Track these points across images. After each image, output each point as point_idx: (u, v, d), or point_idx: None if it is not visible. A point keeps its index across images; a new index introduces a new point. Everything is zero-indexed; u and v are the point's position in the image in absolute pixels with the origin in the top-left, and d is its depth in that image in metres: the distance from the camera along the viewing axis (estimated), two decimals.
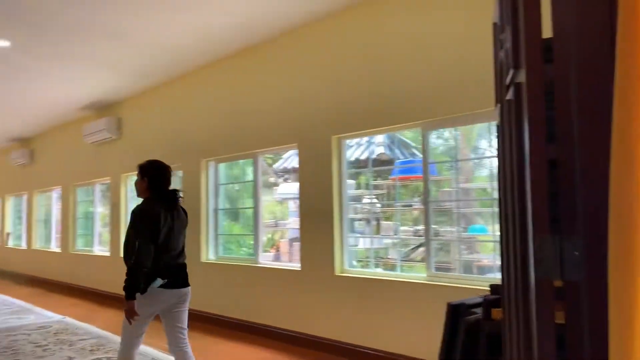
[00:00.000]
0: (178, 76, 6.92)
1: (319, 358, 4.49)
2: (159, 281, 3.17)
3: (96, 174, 8.90)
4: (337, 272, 4.71)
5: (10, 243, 12.60)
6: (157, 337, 4.77)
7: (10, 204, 12.90)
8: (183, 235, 3.50)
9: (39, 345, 5.01)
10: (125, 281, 3.06)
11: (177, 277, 3.34)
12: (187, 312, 3.42)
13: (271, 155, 7.53)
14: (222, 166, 6.49)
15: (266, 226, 7.29)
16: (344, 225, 4.80)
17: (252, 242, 6.05)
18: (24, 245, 11.77)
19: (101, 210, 9.32)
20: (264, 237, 6.83)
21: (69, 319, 6.33)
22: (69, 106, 8.50)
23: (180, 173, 6.96)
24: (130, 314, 3.04)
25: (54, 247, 10.52)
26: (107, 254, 8.46)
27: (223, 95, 6.22)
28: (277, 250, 7.57)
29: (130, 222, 3.25)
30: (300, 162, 5.19)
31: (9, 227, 12.82)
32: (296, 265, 5.22)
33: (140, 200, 3.40)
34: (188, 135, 6.76)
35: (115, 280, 8.06)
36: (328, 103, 4.88)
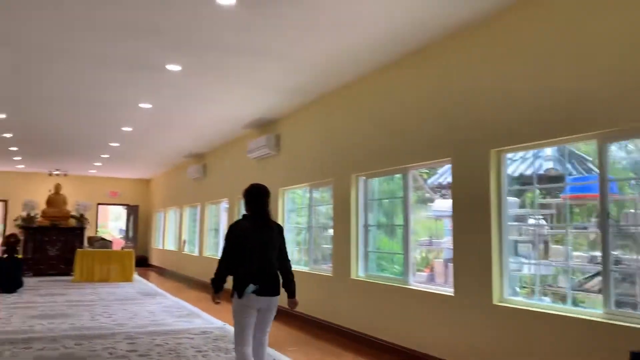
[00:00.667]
0: (330, 92, 6.98)
1: None
2: (252, 287, 3.62)
3: None
4: (495, 301, 4.24)
5: (186, 249, 13.91)
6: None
7: (186, 214, 14.28)
8: (275, 250, 3.83)
9: (200, 350, 5.31)
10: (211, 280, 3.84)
11: (267, 286, 3.73)
12: (272, 317, 3.90)
13: (426, 170, 7.22)
14: (377, 181, 6.34)
15: (420, 244, 6.98)
16: (504, 247, 4.32)
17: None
18: (196, 252, 12.92)
19: None
20: (417, 256, 6.54)
21: (228, 326, 6.65)
22: (234, 124, 9.12)
23: (330, 188, 6.99)
24: (213, 300, 3.92)
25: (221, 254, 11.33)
26: None
27: (374, 109, 6.11)
28: (432, 270, 7.19)
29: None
30: (454, 177, 4.83)
31: (185, 235, 14.19)
32: (449, 290, 4.84)
33: None
34: (339, 150, 6.76)
35: None
36: (485, 114, 4.47)
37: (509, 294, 4.26)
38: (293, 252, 8.29)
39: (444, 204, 7.23)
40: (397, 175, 5.89)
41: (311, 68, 6.00)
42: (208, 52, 5.49)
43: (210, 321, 7.00)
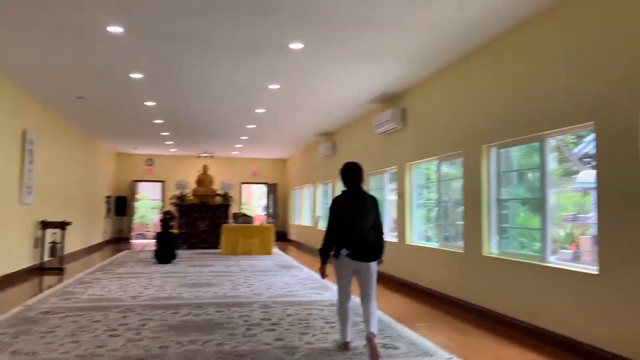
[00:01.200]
0: (457, 60, 6.62)
1: None
2: (345, 251, 4.29)
3: (385, 163, 9.32)
4: None
5: (320, 225, 14.35)
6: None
7: (319, 191, 14.70)
8: (370, 219, 4.32)
9: (328, 321, 5.44)
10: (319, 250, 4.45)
11: (359, 252, 4.28)
12: (373, 279, 4.37)
13: (572, 139, 6.55)
14: (515, 151, 5.88)
15: (564, 220, 6.40)
16: None
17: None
18: None
19: (391, 197, 9.72)
20: (560, 232, 6.02)
21: (357, 299, 6.71)
22: (360, 100, 9.10)
23: (460, 161, 6.67)
24: (321, 274, 4.48)
25: None
26: (395, 240, 8.77)
27: (505, 73, 5.66)
28: (577, 247, 6.58)
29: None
30: (597, 145, 4.30)
31: (319, 211, 14.63)
32: (592, 268, 4.37)
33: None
34: (468, 121, 6.41)
35: (401, 267, 8.31)
36: (635, 71, 3.89)
37: None
38: (425, 229, 8.11)
39: (591, 176, 6.54)
40: (535, 145, 5.42)
41: (436, 36, 5.73)
42: (329, 26, 5.49)
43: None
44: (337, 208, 4.36)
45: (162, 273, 9.15)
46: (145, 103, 9.50)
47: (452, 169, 7.37)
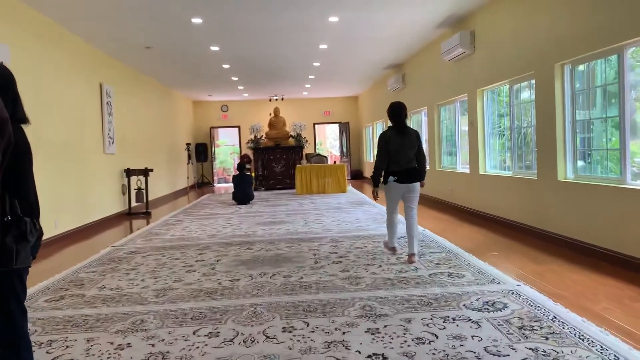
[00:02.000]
0: None
1: None
2: (392, 177, 5.12)
3: (455, 92, 8.92)
4: None
5: None
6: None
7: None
8: (413, 149, 5.09)
9: (394, 253, 5.45)
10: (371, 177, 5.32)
11: (405, 176, 5.12)
12: (416, 197, 5.24)
13: None
14: (598, 65, 5.37)
15: None
16: None
17: (638, 158, 4.92)
18: None
19: (463, 128, 9.36)
20: None
21: (428, 232, 6.68)
22: (426, 26, 8.65)
23: (532, 82, 6.23)
24: (373, 196, 5.38)
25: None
26: (467, 171, 8.50)
27: None
28: None
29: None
30: None
31: None
32: None
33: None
34: (538, 39, 5.92)
35: (474, 197, 8.09)
36: None
37: None
38: (499, 157, 7.77)
39: None
40: (613, 58, 4.92)
41: None
42: None
43: None
44: (386, 141, 5.11)
45: (239, 214, 9.54)
46: (210, 48, 9.61)
47: (526, 93, 6.91)
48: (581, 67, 5.44)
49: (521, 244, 5.88)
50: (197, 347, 2.98)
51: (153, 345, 3.05)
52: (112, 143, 9.65)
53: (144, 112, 12.26)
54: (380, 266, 4.88)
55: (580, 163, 5.58)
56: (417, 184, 5.20)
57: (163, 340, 3.13)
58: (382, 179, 5.20)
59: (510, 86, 7.00)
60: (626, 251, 4.50)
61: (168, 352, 2.94)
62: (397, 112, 5.12)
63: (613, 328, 3.09)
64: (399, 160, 5.06)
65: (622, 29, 4.47)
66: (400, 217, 5.53)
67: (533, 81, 6.19)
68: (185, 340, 3.10)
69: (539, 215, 6.08)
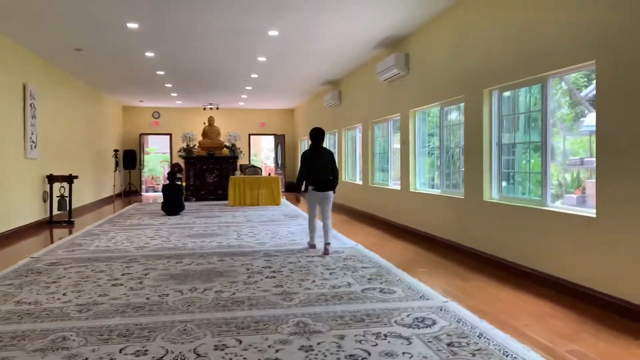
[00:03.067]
0: (456, 2, 6.37)
1: (609, 317, 3.65)
2: (311, 187, 6.53)
3: (389, 111, 9.17)
4: None
5: None
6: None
7: (325, 141, 14.59)
8: (327, 165, 6.55)
9: (328, 268, 5.50)
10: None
11: (320, 186, 6.52)
12: (330, 202, 6.59)
13: (584, 80, 6.31)
14: (521, 93, 5.69)
15: (570, 164, 6.29)
16: None
17: (555, 181, 5.24)
18: None
19: (396, 146, 9.62)
20: (566, 177, 5.93)
21: (360, 247, 6.79)
22: (363, 45, 8.86)
23: (461, 106, 6.53)
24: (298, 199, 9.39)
25: (358, 180, 11.48)
26: (399, 187, 8.73)
27: (504, 15, 5.44)
28: (583, 192, 6.49)
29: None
30: (597, 84, 4.15)
31: None
32: (590, 212, 4.31)
33: None
34: (469, 64, 6.22)
35: (405, 213, 8.31)
36: (638, 6, 3.69)
37: None
38: (427, 175, 8.04)
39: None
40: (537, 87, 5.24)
41: None
42: None
43: (344, 242, 7.20)
44: (306, 158, 6.65)
45: (169, 225, 9.26)
46: (145, 54, 9.34)
47: (455, 114, 7.22)
48: (507, 93, 5.76)
49: (448, 260, 6.10)
50: None
51: None
52: (35, 147, 9.11)
53: (71, 115, 11.67)
54: (314, 281, 4.90)
55: (504, 184, 5.89)
56: (331, 192, 6.59)
57: (87, 359, 2.97)
58: (302, 187, 6.66)
59: (441, 108, 7.29)
60: (545, 270, 4.77)
61: None
62: (315, 136, 6.62)
63: (534, 344, 3.26)
64: (316, 173, 6.50)
65: (546, 60, 4.78)
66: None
67: (462, 104, 6.48)
68: (111, 359, 2.96)
69: (465, 234, 6.34)
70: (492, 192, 5.89)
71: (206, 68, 10.86)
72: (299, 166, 6.58)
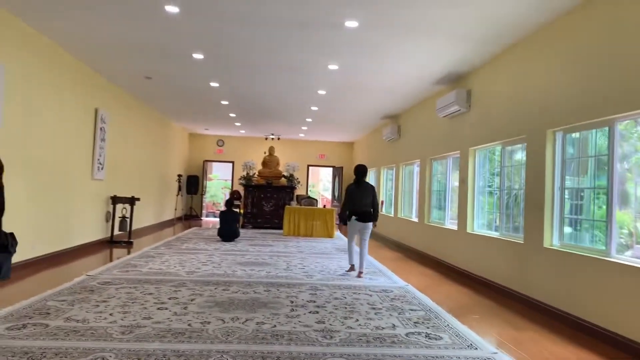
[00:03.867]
0: (520, 40, 6.22)
1: None
2: (354, 217, 7.26)
3: (448, 148, 8.97)
4: None
5: (383, 210, 14.15)
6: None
7: (384, 175, 14.47)
8: (368, 198, 7.30)
9: (374, 307, 5.33)
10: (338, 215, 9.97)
11: (361, 217, 7.25)
12: (368, 232, 7.31)
13: None
14: (590, 136, 5.40)
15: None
16: None
17: (626, 230, 4.87)
18: (392, 213, 13.04)
19: (455, 184, 9.36)
20: (637, 226, 5.52)
21: (410, 287, 6.56)
22: (424, 81, 8.78)
23: (523, 146, 6.27)
24: (341, 226, 10.44)
25: (414, 217, 11.23)
26: (455, 227, 8.44)
27: (569, 53, 5.21)
28: None
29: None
30: None
31: (383, 196, 14.42)
32: None
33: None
34: (533, 103, 5.98)
35: (461, 254, 8.00)
36: None
37: None
38: (488, 217, 7.73)
39: None
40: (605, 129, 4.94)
41: (501, 12, 5.36)
42: (384, 3, 5.28)
43: (394, 281, 6.99)
44: (349, 191, 7.44)
45: (222, 251, 9.38)
46: (210, 84, 9.68)
47: (520, 154, 6.93)
48: (575, 135, 5.47)
49: (503, 307, 5.77)
50: None
51: None
52: (102, 169, 9.57)
53: (139, 139, 12.23)
54: (358, 320, 4.75)
55: (568, 230, 5.54)
56: (370, 223, 7.31)
57: None
58: (346, 218, 7.39)
59: (502, 147, 7.04)
60: (607, 326, 4.40)
61: None
62: (359, 171, 7.46)
63: None
64: (358, 205, 7.27)
65: (613, 102, 4.51)
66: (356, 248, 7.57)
67: (525, 144, 6.22)
68: None
69: (523, 281, 5.99)
70: (552, 239, 5.56)
71: (268, 99, 11.11)
72: (343, 199, 7.42)
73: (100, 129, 9.41)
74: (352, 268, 7.51)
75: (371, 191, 7.33)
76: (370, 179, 16.63)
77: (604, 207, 5.04)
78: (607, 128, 4.77)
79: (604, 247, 4.76)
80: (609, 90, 4.57)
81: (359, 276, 7.07)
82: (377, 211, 7.35)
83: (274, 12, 5.70)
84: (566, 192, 5.55)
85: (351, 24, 5.93)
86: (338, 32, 6.28)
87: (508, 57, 6.70)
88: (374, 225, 7.35)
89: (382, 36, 6.39)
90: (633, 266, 4.24)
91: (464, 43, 6.53)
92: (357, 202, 7.25)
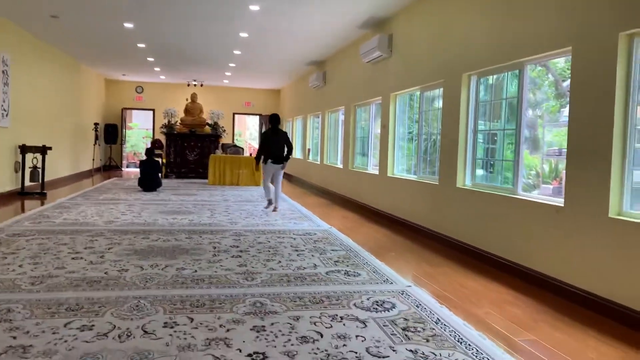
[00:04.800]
0: None
1: (570, 308, 3.62)
2: (269, 160, 8.10)
3: (371, 94, 9.05)
4: (612, 214, 3.64)
5: (310, 158, 14.24)
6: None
7: (310, 122, 14.46)
8: (279, 143, 8.19)
9: (297, 249, 5.42)
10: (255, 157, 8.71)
11: (277, 159, 8.15)
12: (281, 173, 8.32)
13: (564, 67, 6.22)
14: (506, 79, 5.59)
15: (548, 154, 6.26)
16: (628, 154, 3.62)
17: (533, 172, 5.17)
18: (317, 161, 13.14)
19: (377, 130, 9.51)
20: (544, 167, 5.90)
21: (334, 230, 6.71)
22: (348, 25, 8.69)
23: (440, 91, 6.44)
24: (256, 168, 8.56)
25: (339, 163, 11.38)
26: (377, 172, 8.66)
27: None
28: (559, 182, 6.47)
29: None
30: (572, 72, 4.08)
31: (309, 144, 14.46)
32: (558, 201, 4.27)
33: None
34: (451, 48, 6.11)
35: (381, 198, 8.25)
36: None
37: (629, 208, 3.61)
38: (408, 162, 7.96)
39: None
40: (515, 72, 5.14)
41: None
42: None
43: (317, 224, 7.12)
44: (266, 137, 8.30)
45: (143, 201, 9.12)
46: (124, 24, 9.09)
47: (440, 101, 7.12)
48: (491, 80, 5.66)
49: (419, 245, 6.06)
50: (65, 341, 2.75)
51: (14, 338, 2.78)
52: (6, 115, 8.87)
53: (47, 85, 11.38)
54: (280, 262, 4.82)
55: (480, 172, 5.83)
56: (282, 164, 8.23)
57: (28, 332, 2.86)
58: (261, 160, 8.24)
59: (421, 92, 7.19)
60: (512, 258, 4.74)
61: (31, 345, 2.69)
62: (274, 120, 8.31)
63: (491, 332, 3.22)
64: (273, 150, 8.15)
65: (523, 46, 4.69)
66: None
67: (442, 89, 6.38)
68: (54, 333, 2.85)
69: (438, 220, 6.29)
70: (465, 179, 5.83)
71: (187, 43, 10.62)
72: (259, 144, 8.34)
73: (3, 72, 8.65)
74: (269, 202, 8.36)
75: (285, 137, 8.30)
76: (297, 126, 16.64)
77: (511, 150, 5.33)
78: (517, 71, 4.97)
79: (511, 186, 5.05)
80: (521, 35, 4.74)
81: (274, 210, 8.19)
82: (290, 154, 8.33)
83: None
84: (480, 135, 5.80)
85: None
86: None
87: (427, 1, 6.74)
88: (283, 167, 8.30)
89: None
90: (536, 202, 4.55)
91: None
92: (273, 147, 8.15)
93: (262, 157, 8.21)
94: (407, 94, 7.84)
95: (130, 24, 9.01)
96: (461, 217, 5.72)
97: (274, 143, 8.16)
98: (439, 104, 6.97)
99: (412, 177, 7.42)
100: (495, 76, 5.53)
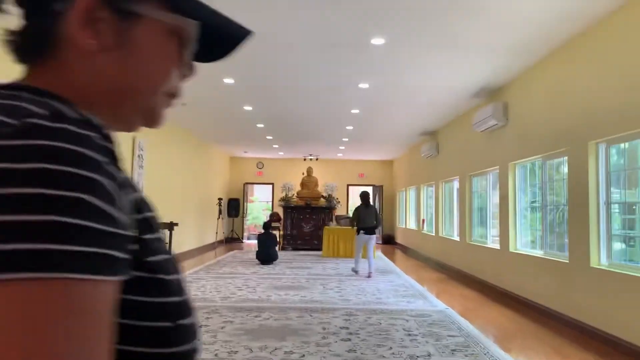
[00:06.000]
0: (557, 49, 5.93)
1: None
2: (362, 231, 9.40)
3: (487, 163, 8.66)
4: None
5: (425, 229, 13.80)
6: None
7: (423, 193, 14.14)
8: (370, 216, 9.43)
9: (410, 333, 5.10)
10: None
11: (367, 231, 9.35)
12: (373, 243, 9.52)
13: None
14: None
15: None
16: None
17: None
18: (432, 232, 12.68)
19: (497, 200, 9.00)
20: None
21: (450, 311, 6.28)
22: (459, 96, 8.54)
23: (565, 159, 5.94)
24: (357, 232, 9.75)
25: (455, 235, 10.87)
26: (498, 247, 8.09)
27: (609, 61, 4.91)
28: None
29: None
30: None
31: (424, 214, 14.08)
32: None
33: None
34: (573, 115, 5.67)
35: (504, 275, 7.64)
36: None
37: None
38: (528, 233, 7.36)
39: None
40: None
41: (533, 20, 5.13)
42: (411, 18, 5.16)
43: (433, 303, 6.72)
44: (357, 211, 9.52)
45: (259, 274, 9.32)
46: (244, 107, 9.75)
47: (564, 168, 6.59)
48: (623, 145, 5.12)
49: (548, 331, 5.42)
50: None
51: None
52: None
53: (179, 164, 12.41)
54: (391, 348, 4.54)
55: (618, 246, 5.16)
56: (374, 235, 9.37)
57: None
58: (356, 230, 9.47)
59: (543, 161, 6.71)
60: None
61: None
62: (365, 197, 9.62)
63: None
64: (366, 222, 9.34)
65: None
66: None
67: (565, 157, 5.90)
68: None
69: (568, 302, 5.62)
70: (600, 257, 5.19)
71: (301, 121, 11.10)
72: (352, 216, 9.81)
73: (139, 156, 9.60)
74: (356, 272, 9.52)
75: (375, 211, 9.57)
76: (410, 197, 16.38)
77: None
78: None
79: None
80: None
81: (369, 276, 9.08)
82: (379, 226, 9.73)
83: (300, 34, 5.66)
84: (615, 206, 5.19)
85: (377, 41, 5.82)
86: (365, 51, 6.18)
87: (544, 67, 6.42)
88: (374, 237, 9.50)
89: (410, 52, 6.24)
90: None
91: (495, 55, 6.29)
92: (365, 220, 9.36)
93: (356, 229, 9.43)
94: (527, 163, 7.37)
95: (249, 106, 9.65)
96: (596, 300, 5.05)
97: (367, 217, 9.35)
98: (564, 169, 6.43)
99: (538, 252, 6.80)
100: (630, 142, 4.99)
